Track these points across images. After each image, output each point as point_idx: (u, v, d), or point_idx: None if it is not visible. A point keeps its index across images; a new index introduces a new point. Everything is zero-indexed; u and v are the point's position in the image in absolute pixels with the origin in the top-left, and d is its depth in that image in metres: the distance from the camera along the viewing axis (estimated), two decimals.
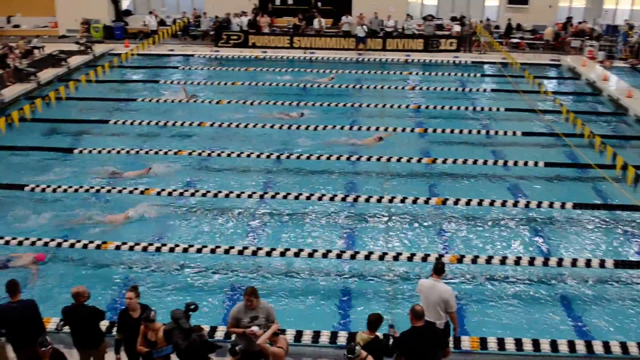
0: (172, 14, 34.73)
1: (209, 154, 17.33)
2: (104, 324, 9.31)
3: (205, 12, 33.89)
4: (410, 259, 12.09)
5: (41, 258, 12.07)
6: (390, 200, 14.67)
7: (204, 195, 14.79)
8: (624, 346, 9.72)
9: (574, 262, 12.07)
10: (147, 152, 17.42)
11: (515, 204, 14.63)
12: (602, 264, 12.03)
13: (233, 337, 8.48)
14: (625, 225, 14.15)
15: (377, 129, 19.29)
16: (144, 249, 12.33)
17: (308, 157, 17.10)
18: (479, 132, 19.72)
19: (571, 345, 9.75)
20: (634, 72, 29.27)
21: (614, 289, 11.62)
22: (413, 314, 7.96)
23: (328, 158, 17.05)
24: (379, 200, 14.67)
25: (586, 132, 17.72)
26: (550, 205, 14.50)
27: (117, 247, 12.30)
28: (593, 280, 11.85)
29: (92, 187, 15.07)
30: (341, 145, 18.27)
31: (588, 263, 12.05)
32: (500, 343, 9.76)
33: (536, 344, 9.75)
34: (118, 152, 17.40)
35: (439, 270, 8.93)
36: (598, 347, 9.71)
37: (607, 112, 22.98)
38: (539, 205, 14.52)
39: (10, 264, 11.88)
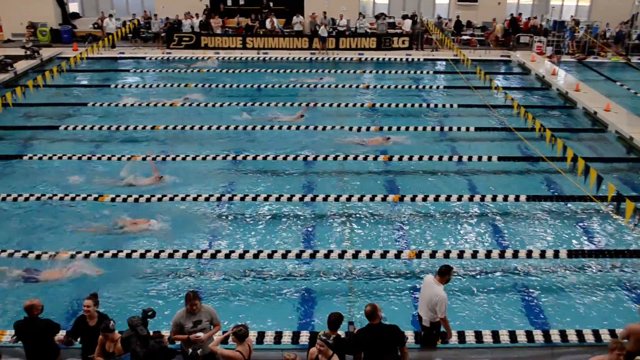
0: (122, 16, 34.09)
1: (164, 158, 17.08)
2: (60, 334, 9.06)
3: (155, 13, 33.40)
4: (369, 256, 12.15)
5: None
6: (348, 199, 14.72)
7: (159, 200, 14.57)
8: (580, 334, 9.95)
9: (529, 254, 12.34)
10: (99, 158, 17.09)
11: (471, 198, 14.86)
12: (556, 254, 12.32)
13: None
14: (576, 215, 14.50)
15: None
16: (100, 256, 12.08)
17: (264, 158, 17.03)
18: (433, 128, 19.94)
19: (529, 335, 9.94)
20: (580, 66, 30.09)
21: (568, 278, 11.87)
22: (366, 314, 8.10)
23: (284, 158, 17.02)
24: (336, 199, 14.70)
25: (537, 125, 18.09)
26: (505, 198, 14.79)
27: (72, 256, 12.02)
28: (548, 270, 12.08)
29: (43, 195, 14.69)
30: (348, 145, 18.26)
31: (543, 254, 12.33)
32: (461, 336, 9.87)
33: (495, 335, 9.90)
34: (70, 157, 17.01)
35: (440, 272, 9.01)
36: (555, 336, 9.92)
37: (556, 106, 23.56)
38: (494, 198, 14.80)
39: (41, 278, 11.48)
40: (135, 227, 13.37)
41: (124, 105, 22.02)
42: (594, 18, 34.48)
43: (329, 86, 24.81)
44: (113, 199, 14.56)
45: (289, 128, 19.47)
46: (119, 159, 16.99)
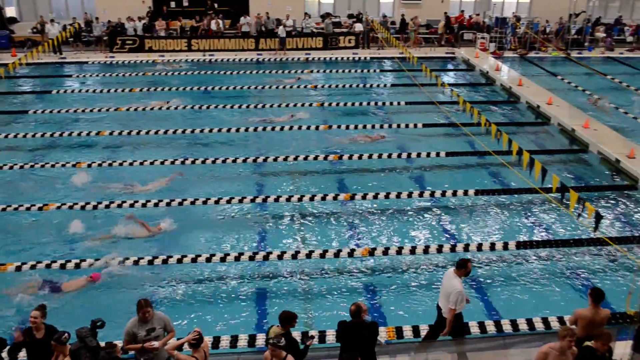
0: (62, 20, 33.17)
1: (110, 164, 16.72)
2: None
3: (97, 17, 32.61)
4: (322, 255, 12.15)
5: (97, 277, 11.39)
6: (300, 199, 14.71)
7: (107, 207, 14.25)
8: (530, 323, 10.18)
9: (479, 247, 12.56)
10: (43, 166, 16.62)
11: (421, 194, 15.02)
12: (505, 246, 12.58)
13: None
14: (523, 207, 14.82)
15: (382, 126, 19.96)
16: (47, 266, 11.74)
17: (214, 162, 16.85)
18: (381, 126, 20.08)
19: (481, 326, 10.11)
20: (523, 61, 30.80)
21: (517, 268, 12.12)
22: (350, 312, 8.20)
23: (234, 161, 16.89)
24: (288, 200, 14.66)
25: (482, 120, 18.41)
26: (454, 193, 15.02)
27: (18, 268, 11.67)
28: (498, 262, 12.32)
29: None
30: (342, 144, 18.38)
31: (492, 246, 12.58)
32: (415, 331, 9.96)
33: None
34: (11, 167, 16.50)
35: (458, 265, 9.18)
36: (507, 326, 10.12)
37: (500, 101, 24.03)
38: (443, 194, 15.01)
39: (63, 288, 11.13)
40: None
41: (67, 111, 21.46)
42: (535, 14, 35.37)
43: (277, 87, 24.76)
44: (58, 207, 14.18)
45: (237, 130, 19.35)
46: (63, 165, 16.56)
